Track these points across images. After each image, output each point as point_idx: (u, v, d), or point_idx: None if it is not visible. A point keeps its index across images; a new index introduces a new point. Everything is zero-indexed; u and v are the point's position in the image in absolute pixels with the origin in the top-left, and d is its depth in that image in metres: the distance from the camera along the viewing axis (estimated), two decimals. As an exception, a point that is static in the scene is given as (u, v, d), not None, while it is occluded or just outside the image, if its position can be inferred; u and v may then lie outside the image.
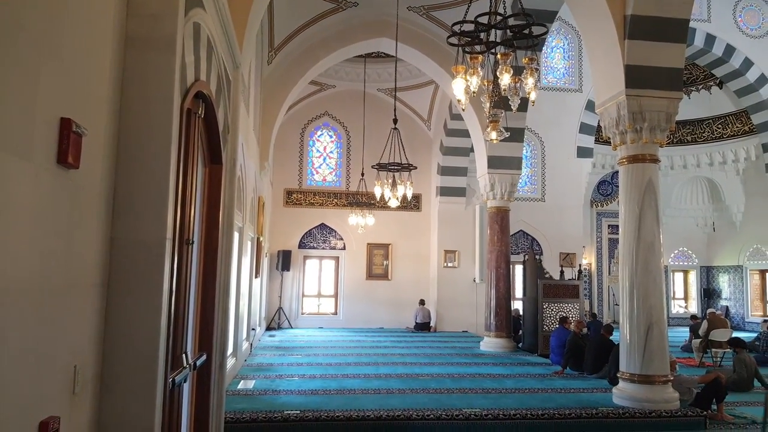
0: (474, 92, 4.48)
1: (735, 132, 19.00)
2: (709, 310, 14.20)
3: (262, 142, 11.30)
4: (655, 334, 6.84)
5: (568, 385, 8.31)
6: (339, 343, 12.82)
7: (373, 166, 10.90)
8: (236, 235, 7.90)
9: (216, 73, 3.68)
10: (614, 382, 7.37)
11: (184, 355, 3.05)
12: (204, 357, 3.59)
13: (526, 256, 12.51)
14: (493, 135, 5.05)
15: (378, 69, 15.72)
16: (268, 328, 15.28)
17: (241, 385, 7.71)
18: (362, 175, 13.50)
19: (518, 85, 4.57)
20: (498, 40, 4.63)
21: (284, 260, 15.54)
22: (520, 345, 12.34)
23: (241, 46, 4.91)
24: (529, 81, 4.51)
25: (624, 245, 7.19)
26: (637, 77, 6.98)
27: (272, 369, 9.16)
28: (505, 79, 4.45)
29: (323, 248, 16.76)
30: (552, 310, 11.54)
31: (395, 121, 9.67)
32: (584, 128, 16.24)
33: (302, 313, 16.53)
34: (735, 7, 16.89)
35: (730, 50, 16.66)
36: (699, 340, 11.67)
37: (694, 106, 19.63)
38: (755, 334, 13.06)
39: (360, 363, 9.87)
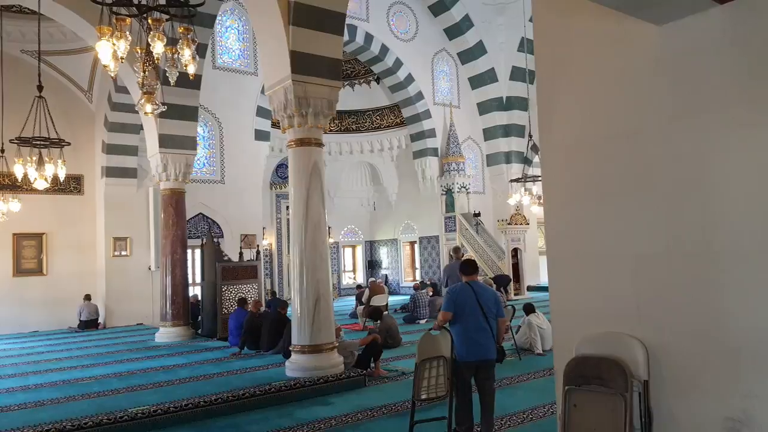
0: (122, 58, 4.01)
1: (390, 123, 21.79)
2: (371, 280, 16.02)
3: None
4: (323, 306, 7.32)
5: (245, 365, 8.37)
6: (-25, 356, 10.53)
7: (12, 141, 9.11)
8: None
9: None
10: (288, 355, 7.67)
11: None
12: None
13: (204, 240, 12.19)
14: (148, 108, 4.63)
15: (22, 26, 13.26)
16: None
17: None
18: (1, 151, 11.21)
19: (176, 56, 4.25)
20: (150, 4, 4.21)
21: None
22: (200, 331, 12.02)
23: None
24: (186, 52, 4.22)
25: (294, 224, 7.50)
26: (301, 64, 7.27)
27: None
28: (158, 47, 4.08)
29: (-50, 241, 13.51)
30: (231, 292, 11.49)
31: (40, 88, 8.23)
32: (261, 111, 16.49)
33: None
34: (388, 12, 19.18)
35: (385, 50, 18.90)
36: (362, 307, 13.08)
37: (357, 97, 21.84)
38: (408, 297, 15.25)
39: (3, 376, 8.25)
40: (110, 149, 14.59)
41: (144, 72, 4.35)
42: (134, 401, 6.27)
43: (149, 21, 4.05)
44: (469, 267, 5.07)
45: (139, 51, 4.27)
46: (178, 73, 4.32)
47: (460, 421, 4.86)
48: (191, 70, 4.33)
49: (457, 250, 9.68)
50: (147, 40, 4.10)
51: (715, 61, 2.61)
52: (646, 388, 2.85)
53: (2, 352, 10.86)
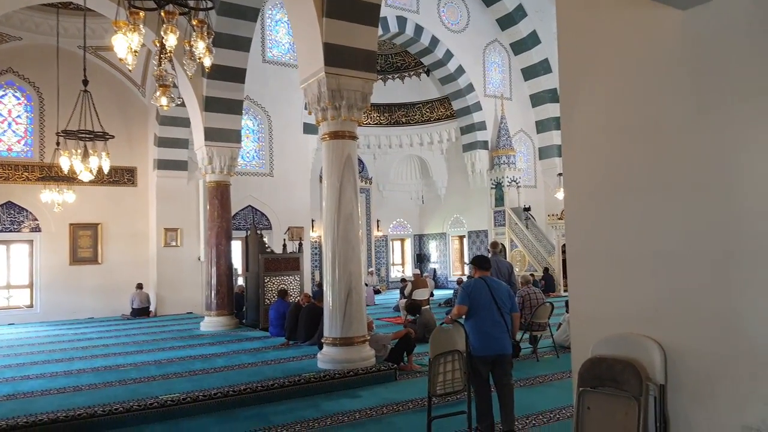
0: (136, 51, 4.06)
1: (440, 116, 21.55)
2: (414, 272, 15.87)
3: None
4: (354, 299, 7.27)
5: (280, 355, 8.44)
6: (31, 340, 11.08)
7: (58, 133, 9.50)
8: None
9: None
10: (322, 347, 7.67)
11: None
12: None
13: (249, 232, 12.40)
14: (164, 101, 4.70)
15: (78, 23, 13.77)
16: (-65, 332, 12.54)
17: None
18: (57, 144, 11.72)
19: (193, 48, 4.26)
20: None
21: (-45, 247, 12.87)
22: (244, 321, 12.26)
23: None
24: (200, 45, 4.23)
25: (326, 216, 7.48)
26: (335, 56, 7.20)
27: None
28: (171, 40, 4.10)
29: (12, 231, 14.28)
30: (274, 283, 11.65)
31: (85, 82, 8.53)
32: (309, 105, 16.56)
33: (-15, 310, 14.02)
34: (439, 3, 18.90)
35: (435, 41, 18.66)
36: (405, 300, 13.00)
37: (407, 90, 21.72)
38: (452, 291, 15.08)
39: (50, 361, 8.63)
40: (161, 142, 15.06)
41: (160, 65, 4.40)
42: (167, 389, 6.40)
43: (162, 14, 4.08)
44: (483, 262, 5.07)
45: (158, 44, 4.31)
46: (195, 65, 4.36)
47: (480, 418, 4.79)
48: (207, 62, 4.34)
49: (494, 245, 9.41)
50: (161, 33, 4.13)
51: (742, 47, 2.39)
52: (662, 393, 2.71)
53: (56, 337, 11.39)
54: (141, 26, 4.04)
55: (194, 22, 4.15)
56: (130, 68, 4.34)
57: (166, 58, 4.37)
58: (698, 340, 2.54)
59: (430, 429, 4.76)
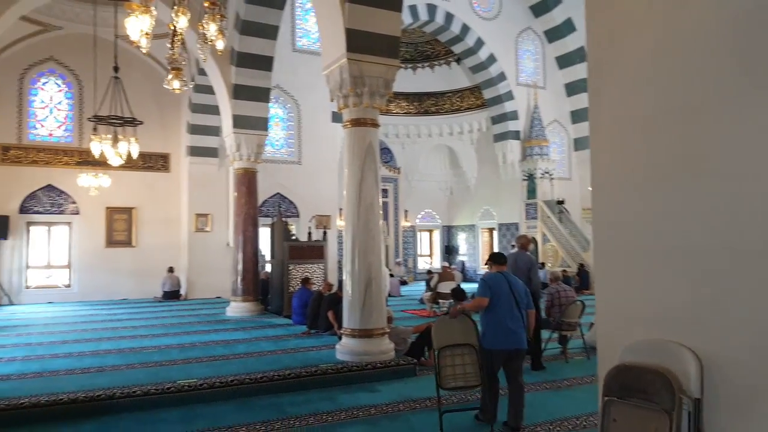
0: (148, 34, 3.98)
1: (470, 105, 21.15)
2: (443, 264, 15.65)
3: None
4: (374, 290, 7.14)
5: (300, 344, 8.40)
6: (67, 319, 11.41)
7: (90, 119, 9.62)
8: None
9: None
10: (341, 337, 7.58)
11: None
12: None
13: (275, 219, 12.40)
14: (176, 84, 4.64)
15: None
16: (-20, 306, 13.04)
17: None
18: (94, 129, 11.92)
19: (205, 31, 4.16)
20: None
21: None
22: (269, 307, 12.29)
23: None
24: (211, 27, 4.12)
25: (347, 205, 7.35)
26: (357, 42, 7.04)
27: (-41, 354, 7.66)
28: (182, 21, 4.01)
29: (52, 213, 14.80)
30: (298, 271, 11.63)
31: (116, 68, 8.58)
32: (338, 93, 16.45)
33: (27, 287, 14.54)
34: (470, -10, 18.48)
35: (465, 29, 18.27)
36: (430, 293, 12.84)
37: (437, 79, 21.38)
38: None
39: (80, 340, 8.84)
40: (194, 129, 15.21)
41: (173, 48, 4.33)
42: (187, 373, 6.42)
43: (175, -3, 3.99)
44: (499, 258, 5.16)
45: (173, 27, 4.23)
46: (209, 49, 4.26)
47: (484, 409, 4.84)
48: (219, 45, 4.25)
49: (518, 239, 9.08)
50: (172, 16, 4.04)
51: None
52: (697, 407, 2.45)
53: (89, 317, 11.68)
54: (153, 9, 3.96)
55: (206, 4, 4.05)
56: (144, 51, 4.27)
57: (178, 41, 4.29)
58: (739, 349, 2.29)
59: (442, 423, 4.66)
